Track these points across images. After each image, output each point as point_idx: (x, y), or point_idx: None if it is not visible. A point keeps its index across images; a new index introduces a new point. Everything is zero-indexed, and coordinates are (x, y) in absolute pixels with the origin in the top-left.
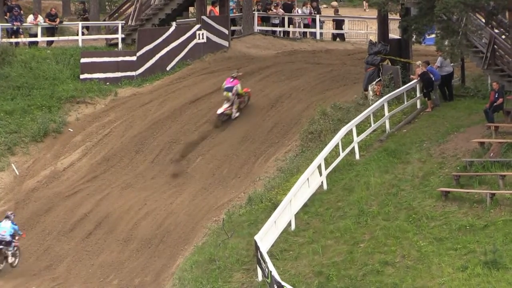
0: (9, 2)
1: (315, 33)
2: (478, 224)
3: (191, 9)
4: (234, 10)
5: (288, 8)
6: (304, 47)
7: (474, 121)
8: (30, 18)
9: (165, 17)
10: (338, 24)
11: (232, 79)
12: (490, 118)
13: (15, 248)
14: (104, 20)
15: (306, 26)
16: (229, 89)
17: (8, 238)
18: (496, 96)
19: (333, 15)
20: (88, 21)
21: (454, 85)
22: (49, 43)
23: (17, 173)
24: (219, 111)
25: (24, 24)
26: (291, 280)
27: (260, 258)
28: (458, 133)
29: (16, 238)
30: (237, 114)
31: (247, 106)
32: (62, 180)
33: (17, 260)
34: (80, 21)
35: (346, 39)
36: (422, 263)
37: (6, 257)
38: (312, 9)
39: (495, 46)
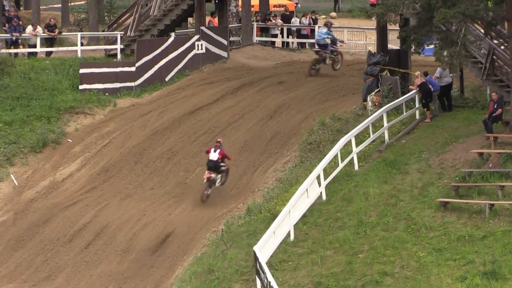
0: (8, 13)
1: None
2: (477, 234)
3: (190, 19)
4: (231, 20)
5: (287, 19)
6: (303, 57)
7: (473, 131)
8: (29, 28)
9: (164, 27)
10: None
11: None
12: (489, 128)
13: (335, 53)
14: (103, 31)
15: (304, 36)
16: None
17: (323, 42)
18: (495, 106)
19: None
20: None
21: (453, 95)
22: (48, 53)
23: (16, 184)
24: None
25: (23, 34)
26: None
27: (259, 269)
28: (457, 144)
29: (337, 44)
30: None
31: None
32: (61, 191)
33: (338, 65)
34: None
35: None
36: (421, 274)
37: (324, 59)
38: (311, 20)
39: (494, 57)
